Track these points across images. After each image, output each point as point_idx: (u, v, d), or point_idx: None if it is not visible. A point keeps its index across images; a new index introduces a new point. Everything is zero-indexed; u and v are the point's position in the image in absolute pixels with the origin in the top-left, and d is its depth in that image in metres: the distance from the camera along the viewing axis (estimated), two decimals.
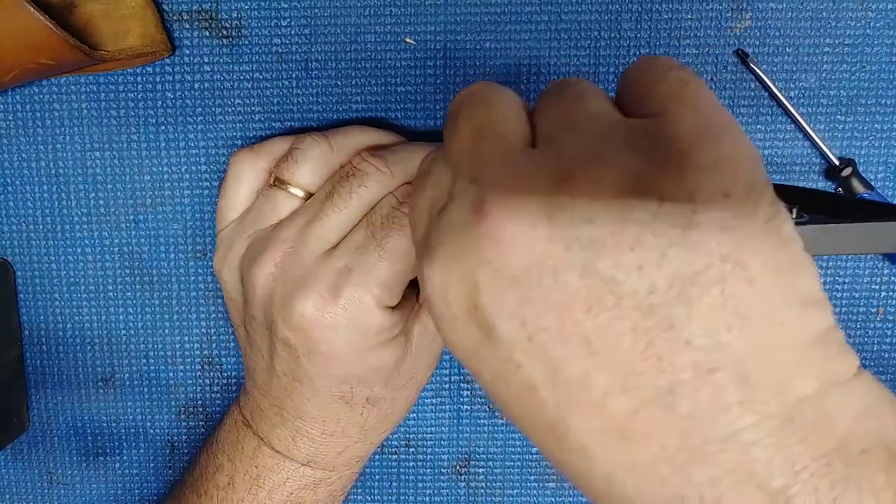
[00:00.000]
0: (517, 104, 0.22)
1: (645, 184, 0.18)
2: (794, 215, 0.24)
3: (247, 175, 0.32)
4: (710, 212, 0.17)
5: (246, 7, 0.34)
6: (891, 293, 0.36)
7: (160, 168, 0.36)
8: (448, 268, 0.20)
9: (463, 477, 0.39)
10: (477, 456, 0.39)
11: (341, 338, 0.29)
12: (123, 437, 0.39)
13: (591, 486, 0.20)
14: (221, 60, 0.35)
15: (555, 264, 0.18)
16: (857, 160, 0.35)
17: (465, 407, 0.38)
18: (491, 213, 0.19)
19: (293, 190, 0.31)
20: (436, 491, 0.39)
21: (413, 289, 0.32)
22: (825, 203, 0.29)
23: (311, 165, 0.31)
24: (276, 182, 0.31)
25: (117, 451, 0.40)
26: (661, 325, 0.17)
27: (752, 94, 0.34)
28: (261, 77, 0.35)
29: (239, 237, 0.32)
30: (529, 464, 0.39)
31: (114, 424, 0.39)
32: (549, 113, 0.21)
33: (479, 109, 0.22)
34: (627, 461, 0.18)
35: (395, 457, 0.39)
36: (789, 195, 0.28)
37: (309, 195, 0.31)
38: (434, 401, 0.38)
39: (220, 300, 0.38)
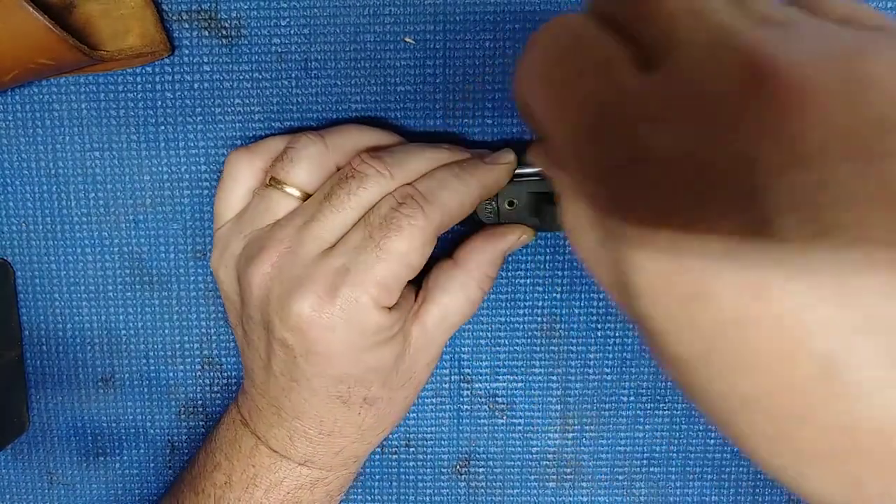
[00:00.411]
0: None
1: None
2: None
3: (243, 174, 0.32)
4: None
5: (245, 7, 0.34)
6: None
7: (160, 168, 0.36)
8: (717, 134, 0.14)
9: (463, 477, 0.39)
10: (477, 456, 0.39)
11: (338, 338, 0.29)
12: (123, 437, 0.39)
13: (854, 449, 0.15)
14: (221, 60, 0.35)
15: (865, 143, 0.13)
16: None
17: (465, 407, 0.38)
18: (777, 75, 0.13)
19: (289, 189, 0.31)
20: (436, 491, 0.39)
21: (411, 289, 0.32)
22: None
23: (306, 165, 0.31)
24: (272, 182, 0.31)
25: (117, 451, 0.40)
26: None
27: None
28: (260, 77, 0.35)
29: (235, 237, 0.32)
30: (529, 464, 0.39)
31: (114, 424, 0.39)
32: (764, 6, 0.16)
33: None
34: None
35: (395, 457, 0.39)
36: None
37: (305, 195, 0.31)
38: (434, 401, 0.38)
39: (219, 300, 0.38)
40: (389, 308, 0.30)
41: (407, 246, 0.29)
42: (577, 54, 0.17)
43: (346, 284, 0.29)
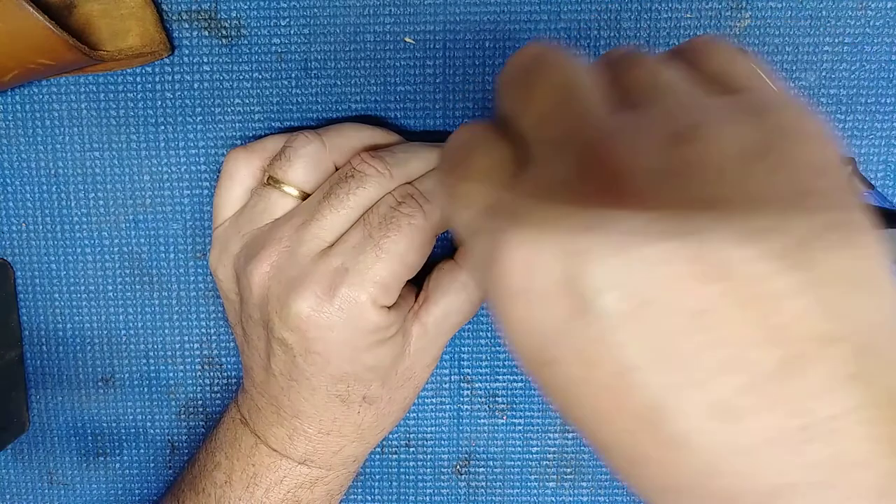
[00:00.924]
0: (585, 66, 0.21)
1: (763, 149, 0.17)
2: None
3: (241, 174, 0.32)
4: (828, 177, 0.17)
5: (245, 7, 0.34)
6: None
7: (160, 168, 0.36)
8: (542, 236, 0.18)
9: (463, 477, 0.39)
10: (477, 456, 0.39)
11: (338, 337, 0.29)
12: (123, 437, 0.39)
13: (679, 487, 0.18)
14: (221, 60, 0.35)
15: (670, 229, 0.17)
16: (857, 159, 0.34)
17: (465, 407, 0.38)
18: (599, 173, 0.17)
19: (287, 189, 0.31)
20: (436, 491, 0.39)
21: (411, 289, 0.32)
22: None
23: (303, 164, 0.31)
24: (270, 181, 0.31)
25: (117, 451, 0.40)
26: (777, 295, 0.16)
27: None
28: (260, 77, 0.35)
29: (234, 236, 0.32)
30: (529, 464, 0.39)
31: (114, 424, 0.39)
32: (635, 74, 0.20)
33: (555, 71, 0.20)
34: (733, 445, 0.17)
35: (395, 457, 0.39)
36: None
37: (303, 194, 0.31)
38: (434, 401, 0.38)
39: (219, 300, 0.38)
40: (388, 308, 0.30)
41: (406, 245, 0.29)
42: (466, 156, 0.21)
43: (345, 284, 0.29)
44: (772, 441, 0.16)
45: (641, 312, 0.17)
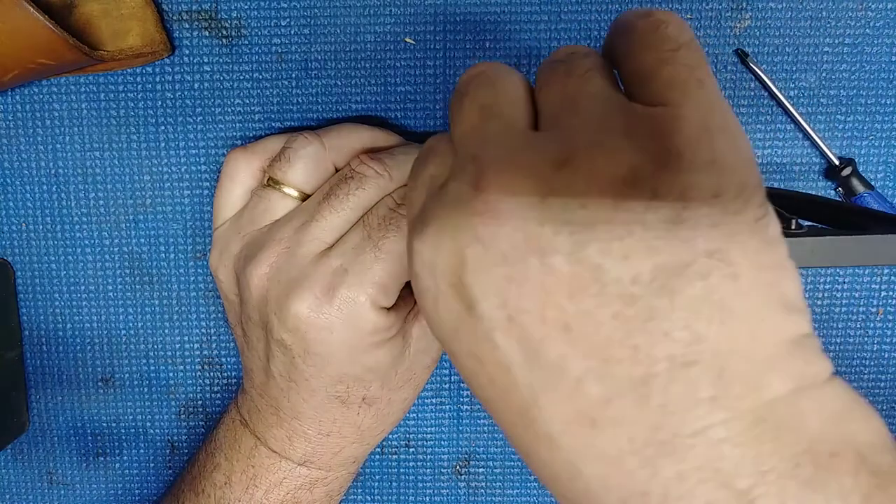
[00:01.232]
0: (523, 85, 0.22)
1: (640, 176, 0.18)
2: (793, 226, 0.24)
3: (241, 174, 0.32)
4: (700, 208, 0.18)
5: (245, 7, 0.34)
6: (891, 293, 0.36)
7: (160, 168, 0.36)
8: (439, 241, 0.20)
9: (463, 477, 0.39)
10: (477, 456, 0.39)
11: (336, 338, 0.29)
12: (123, 437, 0.39)
13: (554, 477, 0.20)
14: (221, 60, 0.35)
15: (543, 246, 0.18)
16: (856, 160, 0.35)
17: (465, 407, 0.38)
18: (486, 189, 0.19)
19: (287, 190, 0.31)
20: (436, 491, 0.39)
21: (410, 290, 0.32)
22: (825, 210, 0.29)
23: (303, 165, 0.31)
24: (270, 182, 0.31)
25: (117, 451, 0.40)
26: (641, 316, 0.17)
27: (752, 93, 0.34)
28: (260, 77, 0.35)
29: (234, 237, 0.32)
30: None
31: (114, 424, 0.39)
32: (552, 92, 0.21)
33: (485, 90, 0.22)
34: (595, 451, 0.18)
35: (395, 457, 0.39)
36: (789, 205, 0.28)
37: (303, 195, 0.31)
38: (434, 401, 0.38)
39: (219, 300, 0.38)
40: (388, 309, 0.30)
41: (405, 246, 0.29)
42: (423, 163, 0.23)
43: (344, 285, 0.29)
44: (632, 451, 0.18)
45: (515, 320, 0.18)
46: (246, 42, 0.35)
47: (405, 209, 0.29)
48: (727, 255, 0.18)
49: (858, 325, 0.36)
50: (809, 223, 0.25)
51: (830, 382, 0.18)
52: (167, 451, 0.40)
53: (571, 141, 0.19)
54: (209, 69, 0.35)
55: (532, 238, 0.18)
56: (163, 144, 0.36)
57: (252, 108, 0.35)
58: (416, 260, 0.20)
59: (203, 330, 0.38)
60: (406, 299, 0.32)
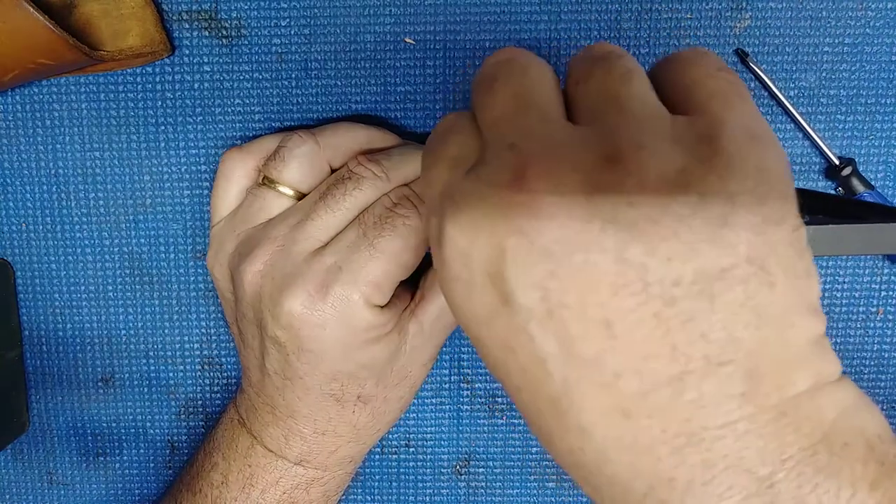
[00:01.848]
0: (553, 77, 0.22)
1: (688, 178, 0.18)
2: None
3: (237, 174, 0.32)
4: (746, 216, 0.18)
5: (245, 7, 0.34)
6: (891, 293, 0.36)
7: (160, 168, 0.36)
8: (476, 231, 0.19)
9: (463, 477, 0.39)
10: (477, 456, 0.39)
11: (330, 335, 0.29)
12: (123, 437, 0.39)
13: (581, 465, 0.20)
14: (221, 60, 0.35)
15: (588, 243, 0.18)
16: (857, 159, 0.35)
17: (465, 407, 0.38)
18: (531, 181, 0.19)
19: (282, 188, 0.31)
20: (436, 491, 0.39)
21: (407, 287, 0.32)
22: (825, 204, 0.29)
23: (297, 164, 0.31)
24: (265, 181, 0.31)
25: (117, 451, 0.40)
26: (681, 316, 0.18)
27: (752, 93, 0.34)
28: (260, 77, 0.35)
29: (229, 235, 0.32)
30: (529, 464, 0.39)
31: (114, 424, 0.39)
32: (592, 87, 0.21)
33: (518, 77, 0.22)
34: (627, 441, 0.19)
35: (395, 457, 0.39)
36: None
37: (298, 193, 0.31)
38: (434, 401, 0.38)
39: (219, 300, 0.38)
40: (382, 307, 0.30)
41: (401, 245, 0.29)
42: (443, 141, 0.23)
43: (338, 283, 0.29)
44: (663, 441, 0.19)
45: (555, 314, 0.19)
46: (246, 42, 0.35)
47: (401, 209, 0.29)
48: (766, 264, 0.18)
49: (858, 325, 0.36)
50: (809, 216, 0.25)
51: (842, 379, 0.20)
52: (167, 451, 0.40)
53: (617, 138, 0.19)
54: (209, 69, 0.35)
55: (578, 234, 0.18)
56: (163, 144, 0.36)
57: (252, 108, 0.35)
58: (449, 247, 0.20)
59: (203, 330, 0.38)
60: (401, 296, 0.32)
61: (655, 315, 0.18)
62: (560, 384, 0.19)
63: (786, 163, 0.19)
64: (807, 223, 0.24)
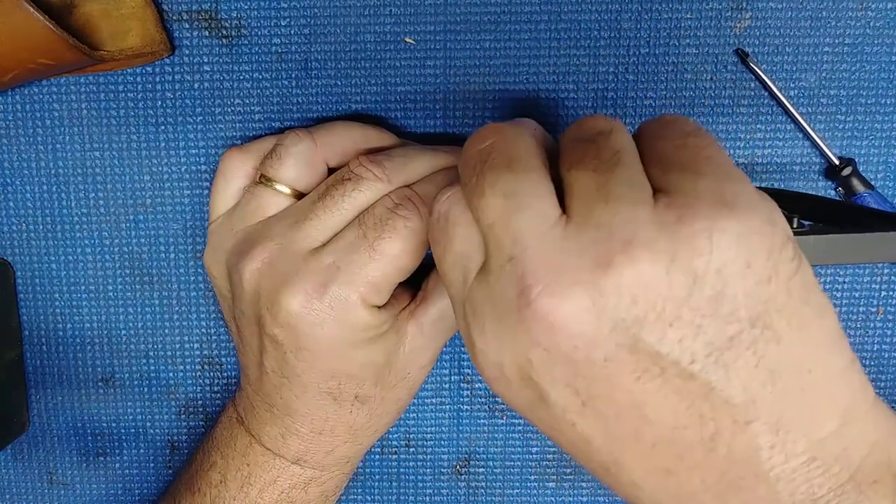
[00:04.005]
0: (540, 159, 0.23)
1: (679, 263, 0.19)
2: (794, 225, 0.24)
3: (235, 173, 0.32)
4: (737, 282, 0.19)
5: (245, 7, 0.34)
6: (891, 293, 0.36)
7: (160, 168, 0.36)
8: (500, 343, 0.21)
9: (463, 477, 0.39)
10: (477, 456, 0.39)
11: (327, 334, 0.29)
12: (123, 437, 0.39)
13: (641, 501, 0.23)
14: (221, 60, 0.35)
15: (602, 343, 0.20)
16: (857, 159, 0.35)
17: (465, 407, 0.38)
18: (537, 299, 0.20)
19: (279, 187, 0.31)
20: (436, 491, 0.39)
21: (406, 288, 0.32)
22: (826, 210, 0.29)
23: (293, 162, 0.31)
24: (262, 179, 0.31)
25: (117, 451, 0.40)
26: (702, 389, 0.20)
27: (752, 93, 0.34)
28: (260, 77, 0.35)
29: (226, 233, 0.32)
30: (529, 464, 0.39)
31: (114, 424, 0.39)
32: (582, 178, 0.22)
33: (505, 176, 0.22)
34: (673, 491, 0.21)
35: (395, 457, 0.39)
36: (790, 203, 0.28)
37: (295, 192, 0.31)
38: (434, 401, 0.38)
39: (217, 298, 0.38)
40: (379, 307, 0.30)
41: (401, 247, 0.29)
42: (446, 235, 0.24)
43: (336, 282, 0.29)
44: (704, 490, 0.21)
45: (588, 405, 0.21)
46: (246, 42, 0.35)
47: (403, 210, 0.29)
48: (769, 321, 0.19)
49: (858, 325, 0.36)
50: (810, 223, 0.25)
51: (872, 409, 0.21)
52: (167, 451, 0.40)
53: (609, 239, 0.20)
54: (209, 69, 0.35)
55: (591, 339, 0.20)
56: (163, 144, 0.36)
57: (252, 108, 0.35)
58: (480, 357, 0.22)
59: (203, 330, 0.38)
60: (400, 297, 0.32)
61: (678, 391, 0.20)
62: (607, 455, 0.22)
63: (766, 214, 0.20)
64: (807, 232, 0.24)
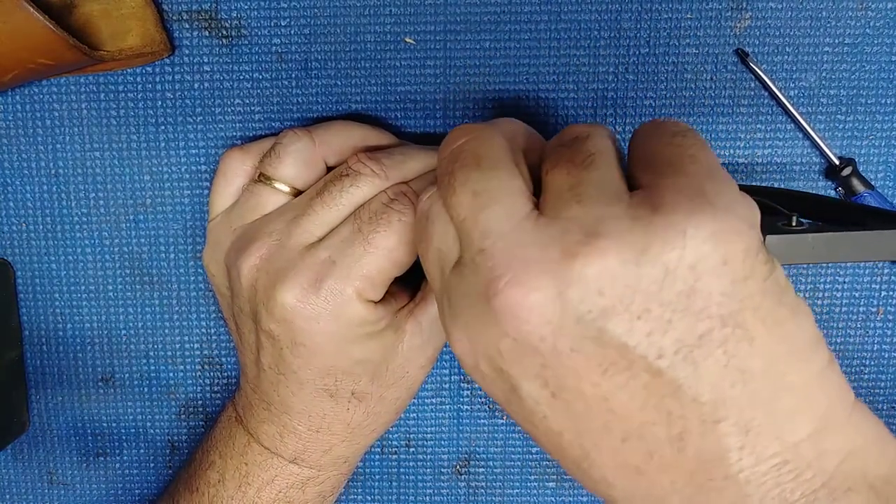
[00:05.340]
0: (510, 158, 0.23)
1: (649, 255, 0.19)
2: (793, 223, 0.24)
3: (235, 172, 0.33)
4: (711, 279, 0.19)
5: (245, 7, 0.34)
6: (891, 293, 0.36)
7: (160, 168, 0.36)
8: (471, 334, 0.22)
9: (463, 477, 0.39)
10: (477, 456, 0.39)
11: (323, 329, 0.29)
12: (123, 437, 0.39)
13: (612, 500, 0.23)
14: (221, 60, 0.35)
15: (568, 334, 0.20)
16: (857, 159, 0.35)
17: (465, 407, 0.38)
18: (504, 290, 0.20)
19: (278, 185, 0.31)
20: (436, 491, 0.39)
21: (404, 286, 0.32)
22: (824, 208, 0.29)
23: (292, 160, 0.31)
24: (261, 177, 0.32)
25: (117, 451, 0.40)
26: (669, 385, 0.19)
27: (752, 93, 0.34)
28: (260, 77, 0.35)
29: (225, 231, 0.32)
30: (529, 464, 0.39)
31: (114, 424, 0.39)
32: (558, 178, 0.22)
33: (475, 175, 0.22)
34: (643, 491, 0.21)
35: (395, 457, 0.39)
36: (789, 202, 0.28)
37: (294, 190, 0.31)
38: (434, 401, 0.38)
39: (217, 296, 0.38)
40: (376, 303, 0.30)
41: (395, 241, 0.29)
42: (425, 232, 0.25)
43: (332, 276, 0.29)
44: (673, 491, 0.21)
45: (558, 396, 0.21)
46: (246, 42, 0.35)
47: (398, 204, 0.29)
48: (741, 319, 0.19)
49: (858, 325, 0.36)
50: (809, 221, 0.25)
51: (851, 415, 0.21)
52: (167, 451, 0.40)
53: (576, 231, 0.20)
54: (209, 69, 0.35)
55: (557, 329, 0.20)
56: (163, 144, 0.36)
57: (252, 108, 0.35)
58: (457, 347, 0.23)
59: (203, 330, 0.38)
60: (398, 294, 0.32)
61: (646, 386, 0.19)
62: (578, 450, 0.21)
63: (745, 214, 0.20)
64: (805, 230, 0.24)
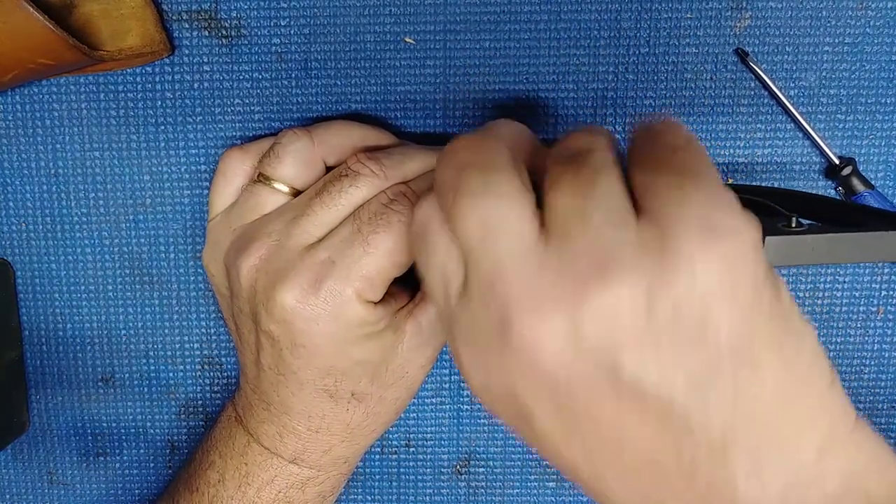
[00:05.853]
0: (516, 176, 0.22)
1: (660, 286, 0.19)
2: (793, 224, 0.24)
3: (234, 172, 0.33)
4: (721, 308, 0.19)
5: (245, 7, 0.34)
6: (891, 293, 0.36)
7: (160, 168, 0.36)
8: (485, 366, 0.22)
9: (463, 477, 0.39)
10: (477, 456, 0.39)
11: (322, 330, 0.29)
12: (123, 437, 0.39)
13: None
14: (221, 60, 0.35)
15: (584, 367, 0.20)
16: (857, 159, 0.35)
17: (465, 407, 0.38)
18: (517, 328, 0.20)
19: (277, 185, 0.31)
20: (436, 491, 0.39)
21: (404, 286, 0.32)
22: (825, 208, 0.29)
23: (291, 160, 0.31)
24: (260, 177, 0.32)
25: (117, 451, 0.40)
26: (681, 417, 0.20)
27: (752, 93, 0.34)
28: (260, 77, 0.35)
29: (224, 231, 0.32)
30: (529, 464, 0.39)
31: (114, 424, 0.39)
32: (561, 199, 0.21)
33: (482, 200, 0.22)
34: None
35: (395, 457, 0.39)
36: (789, 202, 0.28)
37: (293, 190, 0.31)
38: (434, 401, 0.38)
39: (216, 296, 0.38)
40: (375, 303, 0.30)
41: (395, 242, 0.29)
42: (425, 245, 0.24)
43: (331, 277, 0.29)
44: None
45: (572, 430, 0.21)
46: (246, 42, 0.35)
47: (397, 205, 0.29)
48: (750, 347, 0.19)
49: (858, 325, 0.36)
50: (809, 222, 0.25)
51: (853, 433, 0.21)
52: (167, 451, 0.40)
53: (587, 261, 0.20)
54: (209, 69, 0.35)
55: (573, 370, 0.20)
56: (163, 144, 0.36)
57: (252, 108, 0.35)
58: (469, 378, 0.23)
59: (203, 330, 0.38)
60: (398, 295, 0.32)
61: (657, 417, 0.20)
62: (590, 477, 0.22)
63: (753, 237, 0.20)
64: (805, 231, 0.24)
